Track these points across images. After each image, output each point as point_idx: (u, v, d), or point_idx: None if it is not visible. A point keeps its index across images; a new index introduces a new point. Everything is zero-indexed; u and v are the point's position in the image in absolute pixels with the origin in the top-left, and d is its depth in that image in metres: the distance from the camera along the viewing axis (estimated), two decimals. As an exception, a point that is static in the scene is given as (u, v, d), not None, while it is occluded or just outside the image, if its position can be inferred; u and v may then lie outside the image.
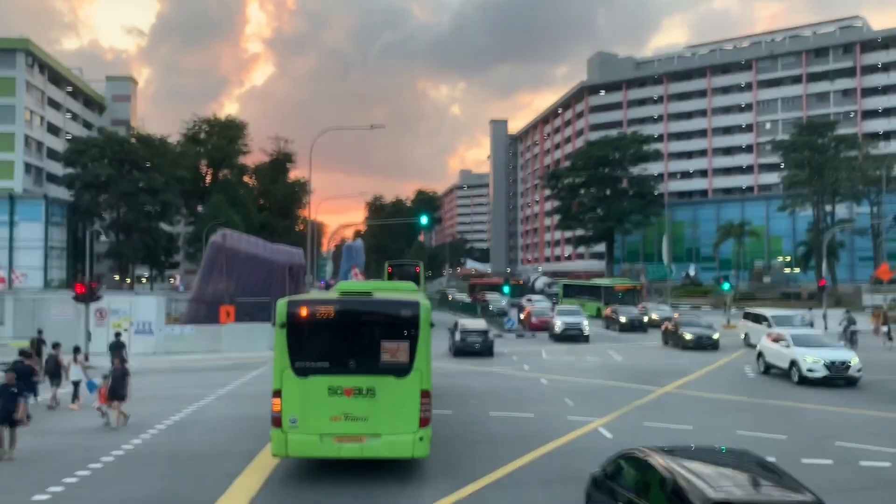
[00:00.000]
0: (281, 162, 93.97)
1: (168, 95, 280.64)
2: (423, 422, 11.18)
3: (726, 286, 44.21)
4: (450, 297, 69.39)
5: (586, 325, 35.13)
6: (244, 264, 30.16)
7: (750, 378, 23.40)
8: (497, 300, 53.59)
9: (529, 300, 53.27)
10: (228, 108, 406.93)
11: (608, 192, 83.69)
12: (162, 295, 48.18)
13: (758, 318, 31.45)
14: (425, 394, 11.22)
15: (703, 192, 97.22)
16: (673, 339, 32.17)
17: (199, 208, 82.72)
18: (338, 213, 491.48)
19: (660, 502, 7.00)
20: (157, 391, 21.42)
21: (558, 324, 35.16)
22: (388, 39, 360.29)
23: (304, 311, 11.35)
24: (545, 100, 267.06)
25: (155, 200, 72.68)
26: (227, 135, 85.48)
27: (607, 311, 43.69)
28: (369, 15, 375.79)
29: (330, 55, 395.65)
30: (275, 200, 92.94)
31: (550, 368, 25.65)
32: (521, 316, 43.43)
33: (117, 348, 22.01)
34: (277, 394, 11.11)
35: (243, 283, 30.29)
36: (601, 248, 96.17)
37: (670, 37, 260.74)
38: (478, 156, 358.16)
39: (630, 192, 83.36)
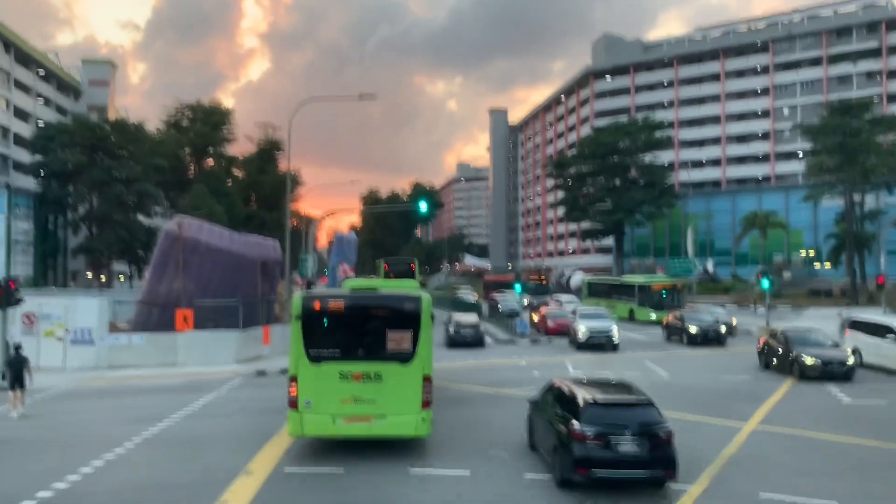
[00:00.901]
0: (268, 151, 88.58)
1: (163, 90, 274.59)
2: (425, 404, 12.16)
3: (766, 283, 38.85)
4: (452, 296, 64.10)
5: (615, 331, 29.75)
6: (206, 259, 24.76)
7: (846, 405, 18.11)
8: (507, 300, 48.11)
9: (559, 301, 46.81)
10: (224, 103, 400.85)
11: (617, 181, 78.45)
12: (128, 295, 42.78)
13: (877, 330, 23.32)
14: (427, 378, 12.22)
15: (716, 183, 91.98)
16: (779, 360, 22.81)
17: (186, 201, 77.34)
18: (332, 208, 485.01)
19: (563, 407, 11.35)
20: (67, 428, 16.03)
21: (582, 329, 29.73)
22: (385, 34, 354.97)
23: (317, 305, 12.44)
24: (542, 94, 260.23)
25: (131, 191, 67.18)
26: (210, 121, 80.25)
27: (669, 317, 34.91)
28: (365, 10, 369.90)
29: (326, 50, 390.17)
30: (262, 191, 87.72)
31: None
32: (535, 318, 38.11)
33: (16, 366, 16.66)
34: (294, 379, 12.18)
35: (205, 282, 24.89)
36: (608, 242, 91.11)
37: (668, 30, 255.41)
38: (475, 151, 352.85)
39: (640, 181, 78.19)
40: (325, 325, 12.39)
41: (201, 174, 76.72)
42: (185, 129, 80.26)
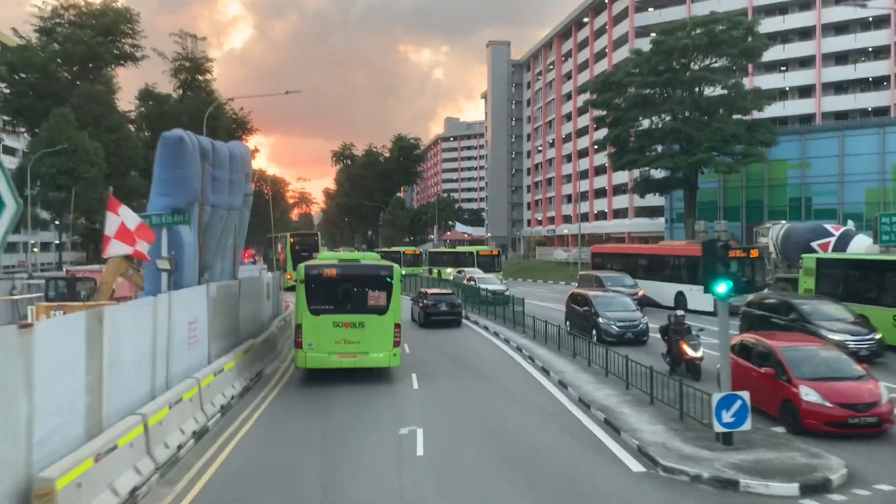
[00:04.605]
0: (189, 71, 63.41)
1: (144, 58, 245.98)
2: (395, 343, 17.55)
3: None
4: (466, 280, 39.56)
5: None
6: None
7: None
8: (614, 304, 22.44)
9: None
10: (122, 4, 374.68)
11: (687, 113, 54.18)
12: None
13: None
14: (397, 325, 17.59)
15: (807, 118, 67.94)
16: None
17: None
18: (300, 168, 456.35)
19: (424, 299, 31.28)
20: None
21: None
22: (370, 1, 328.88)
23: (315, 272, 17.66)
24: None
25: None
26: (100, 26, 55.23)
27: None
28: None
29: (310, 17, 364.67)
30: (179, 127, 62.57)
31: None
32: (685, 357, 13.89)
33: None
34: (299, 327, 17.23)
35: None
36: (650, 202, 67.24)
37: None
38: (463, 118, 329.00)
39: (720, 111, 54.05)
40: (322, 286, 17.54)
41: (77, 97, 51.41)
42: (66, 37, 55.06)
